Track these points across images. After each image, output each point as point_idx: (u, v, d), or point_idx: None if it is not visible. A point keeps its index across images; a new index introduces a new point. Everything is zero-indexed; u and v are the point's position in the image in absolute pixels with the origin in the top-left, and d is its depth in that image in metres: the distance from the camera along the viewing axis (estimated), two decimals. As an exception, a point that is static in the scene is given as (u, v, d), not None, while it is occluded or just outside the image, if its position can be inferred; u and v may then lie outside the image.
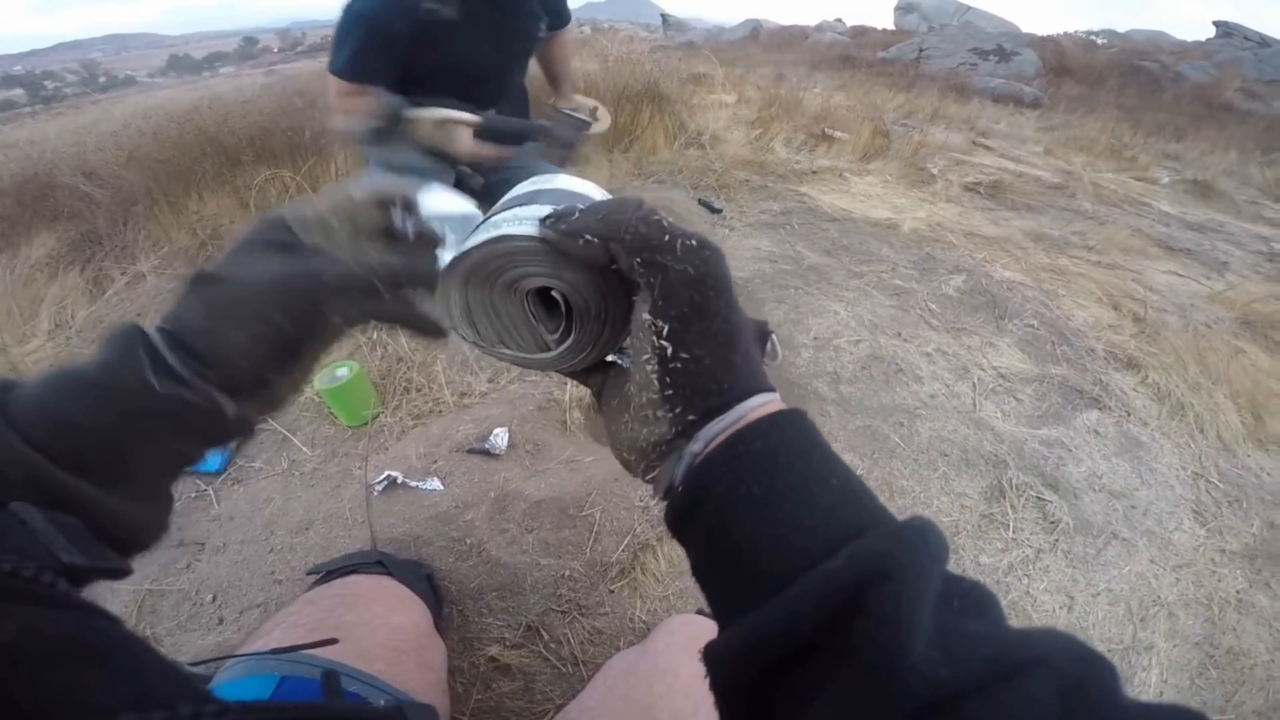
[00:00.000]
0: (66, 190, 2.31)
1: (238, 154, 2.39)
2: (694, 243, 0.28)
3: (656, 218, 0.28)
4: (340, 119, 1.33)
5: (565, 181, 0.36)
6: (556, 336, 0.32)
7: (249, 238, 0.32)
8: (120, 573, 0.27)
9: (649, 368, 0.28)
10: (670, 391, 0.28)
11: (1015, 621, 0.93)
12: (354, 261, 0.32)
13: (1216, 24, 13.91)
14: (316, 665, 0.57)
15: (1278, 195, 4.67)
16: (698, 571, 0.28)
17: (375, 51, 1.25)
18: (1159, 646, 1.09)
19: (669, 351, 0.28)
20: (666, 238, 0.28)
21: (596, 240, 0.28)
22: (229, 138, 2.47)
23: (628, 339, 0.31)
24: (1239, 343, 1.93)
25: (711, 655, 0.25)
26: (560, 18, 1.54)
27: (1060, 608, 1.11)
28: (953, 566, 0.88)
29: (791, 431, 0.27)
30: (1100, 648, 1.04)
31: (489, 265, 0.30)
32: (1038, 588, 1.13)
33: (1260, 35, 13.18)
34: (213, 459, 1.22)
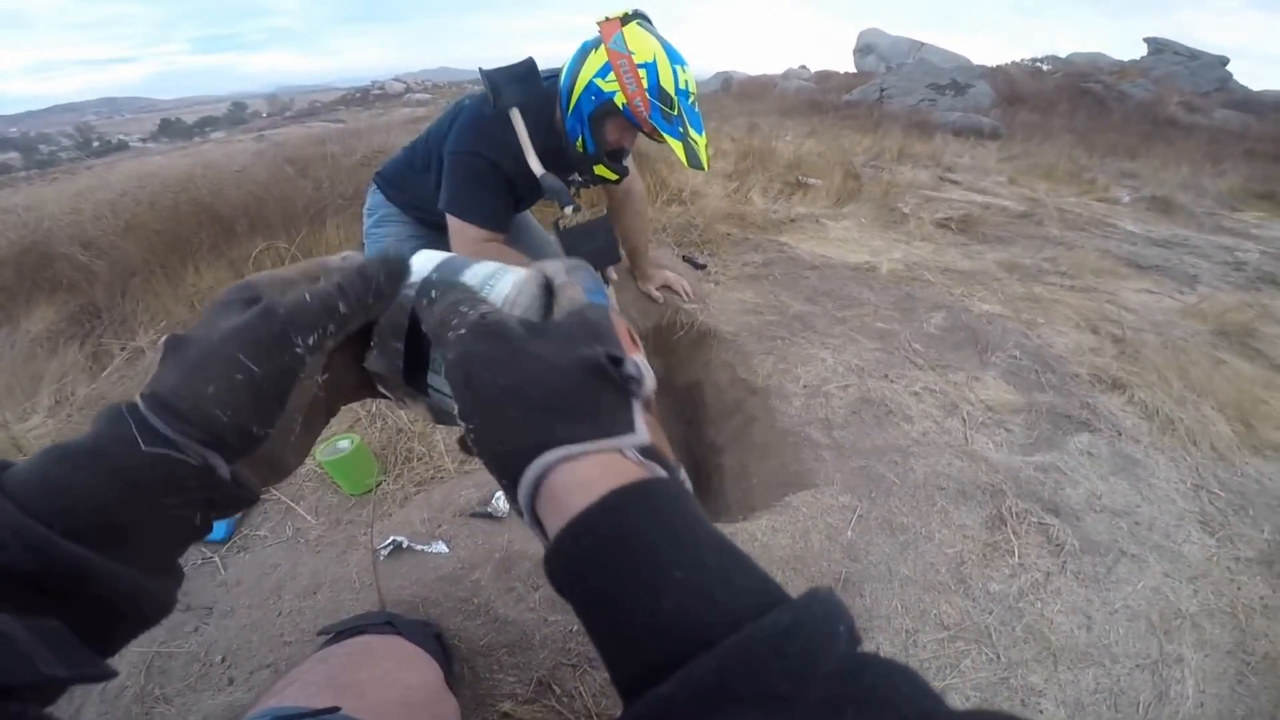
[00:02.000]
0: (65, 260, 2.33)
1: (232, 224, 2.44)
2: (461, 331, 0.30)
3: (450, 314, 0.31)
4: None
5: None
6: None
7: (216, 302, 0.32)
8: (102, 678, 0.25)
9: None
10: (481, 459, 0.29)
11: (1027, 651, 0.92)
12: (307, 291, 0.31)
13: (1147, 40, 14.63)
14: None
15: (1233, 205, 4.88)
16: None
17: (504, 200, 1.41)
18: (1189, 658, 1.09)
19: (462, 426, 0.29)
20: (447, 333, 0.30)
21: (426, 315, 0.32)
22: (224, 207, 2.53)
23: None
24: (1218, 354, 1.99)
25: None
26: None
27: (1079, 628, 1.12)
28: (961, 599, 0.89)
29: (625, 518, 0.24)
30: (1128, 664, 1.07)
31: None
32: (1053, 610, 1.14)
33: (1189, 49, 13.89)
34: (218, 528, 1.22)
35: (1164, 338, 2.01)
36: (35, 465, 0.27)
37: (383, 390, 0.38)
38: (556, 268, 0.36)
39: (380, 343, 0.35)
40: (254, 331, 0.30)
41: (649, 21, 1.35)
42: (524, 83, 1.38)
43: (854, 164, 3.86)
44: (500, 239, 1.46)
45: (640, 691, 0.21)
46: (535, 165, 1.36)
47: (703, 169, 1.33)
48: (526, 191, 1.38)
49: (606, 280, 1.45)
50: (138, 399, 0.29)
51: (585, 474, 0.26)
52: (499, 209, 1.42)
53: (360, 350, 0.37)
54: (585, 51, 1.36)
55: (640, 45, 1.30)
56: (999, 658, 1.06)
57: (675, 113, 1.30)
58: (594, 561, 0.24)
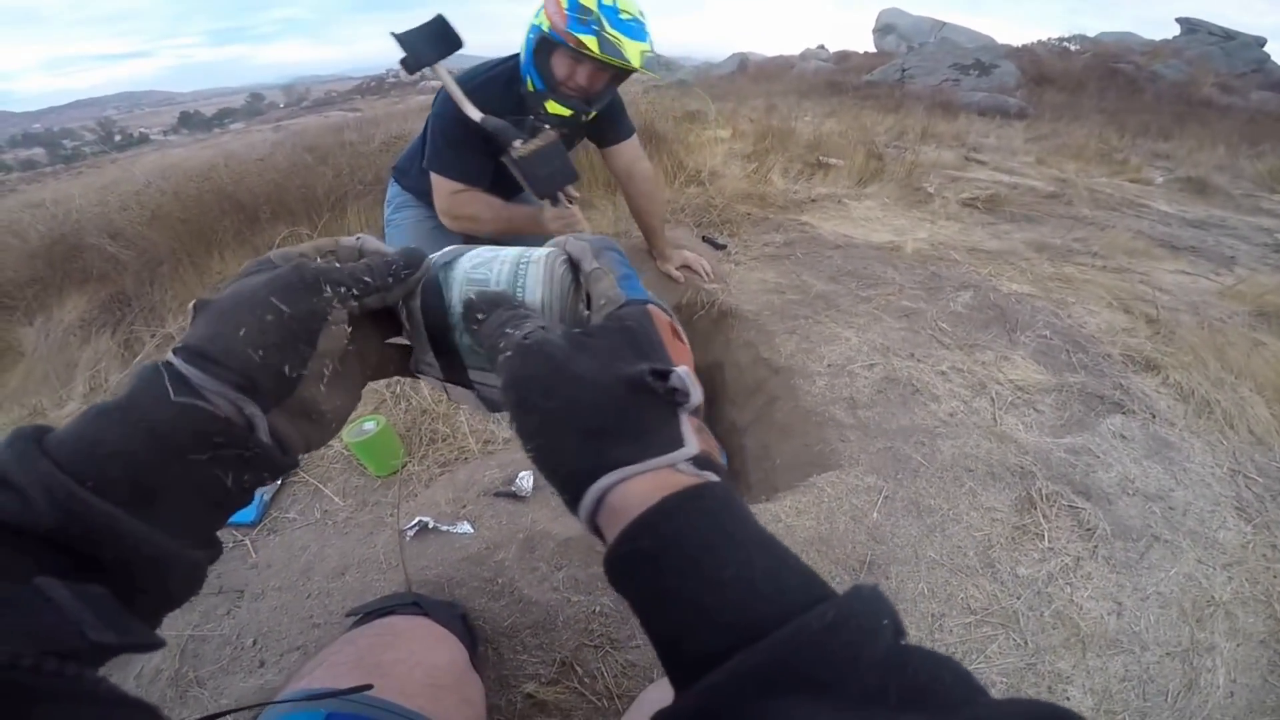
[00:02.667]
0: (94, 251, 2.38)
1: (255, 212, 2.47)
2: (509, 354, 0.31)
3: (498, 337, 0.32)
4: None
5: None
6: None
7: (240, 272, 0.34)
8: (151, 647, 0.26)
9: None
10: (543, 475, 0.30)
11: (1055, 636, 0.91)
12: (337, 262, 0.34)
13: (1180, 21, 14.11)
14: (360, 703, 0.58)
15: (1272, 186, 4.69)
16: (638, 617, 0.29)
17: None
18: (1221, 647, 1.07)
19: (523, 444, 0.30)
20: (498, 356, 0.31)
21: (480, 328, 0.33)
22: (246, 196, 2.55)
23: None
24: (1257, 335, 1.92)
25: None
26: (608, 138, 1.78)
27: (1109, 614, 1.09)
28: (989, 582, 0.88)
29: (680, 522, 0.26)
30: (1158, 651, 1.04)
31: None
32: (1082, 595, 1.11)
33: (1223, 29, 13.37)
34: (247, 511, 1.25)
35: (1200, 318, 1.94)
36: (73, 424, 0.27)
37: (422, 377, 0.40)
38: (582, 249, 0.36)
39: (418, 355, 0.38)
40: (286, 278, 0.31)
41: None
42: (442, 40, 1.44)
43: (876, 144, 3.78)
44: (473, 190, 1.58)
45: (692, 681, 0.22)
46: (472, 112, 1.43)
47: (625, 61, 1.41)
48: (548, 166, 1.42)
49: (570, 199, 1.50)
50: (170, 354, 0.29)
51: (641, 489, 0.27)
52: (471, 162, 1.53)
53: (387, 331, 0.38)
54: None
55: None
56: (1026, 643, 1.04)
57: (591, 17, 1.37)
58: (651, 561, 0.25)
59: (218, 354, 0.29)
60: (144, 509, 0.26)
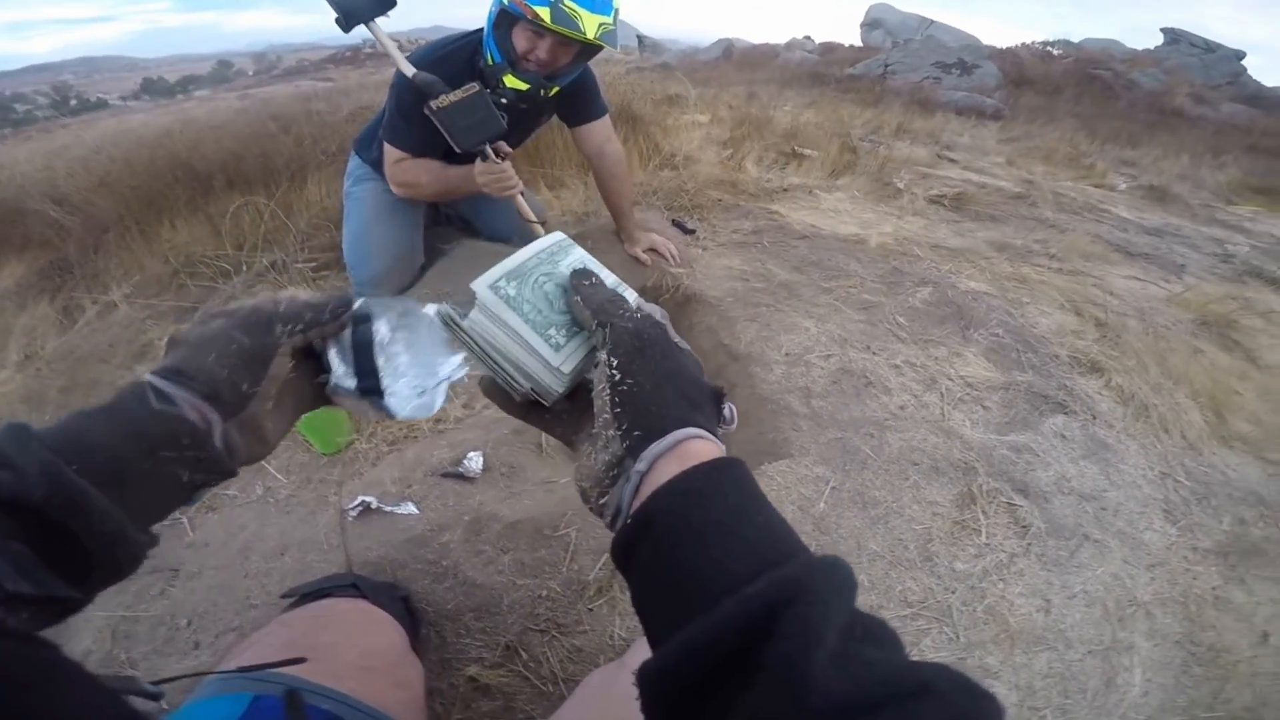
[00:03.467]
0: (36, 217, 2.28)
1: (210, 180, 2.38)
2: (639, 314, 0.39)
3: (618, 300, 0.41)
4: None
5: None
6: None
7: (198, 317, 0.42)
8: (71, 602, 0.30)
9: (605, 394, 0.35)
10: (618, 409, 0.35)
11: (986, 632, 0.95)
12: (284, 300, 0.43)
13: (1164, 31, 14.43)
14: (286, 684, 0.57)
15: (1229, 198, 4.86)
16: (638, 601, 0.33)
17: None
18: (1139, 646, 1.11)
19: (617, 378, 0.35)
20: (619, 310, 0.39)
21: (584, 300, 0.40)
22: (201, 164, 2.46)
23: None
24: (1198, 343, 2.00)
25: (642, 676, 0.27)
26: (579, 117, 1.76)
27: (1037, 611, 1.13)
28: (927, 576, 0.91)
29: (727, 475, 0.32)
30: (1080, 649, 1.08)
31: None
32: (1013, 591, 1.15)
33: (1205, 41, 13.71)
34: None
35: (1146, 324, 2.01)
36: (58, 423, 0.33)
37: (336, 400, 0.47)
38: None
39: (337, 381, 0.45)
40: (246, 318, 0.40)
41: None
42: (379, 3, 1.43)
43: (852, 137, 3.80)
44: (416, 158, 1.58)
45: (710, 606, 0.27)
46: (405, 68, 1.44)
47: (580, 33, 1.38)
48: (469, 118, 1.40)
49: (499, 155, 1.49)
50: (149, 375, 0.36)
51: (703, 448, 0.34)
52: (418, 132, 1.52)
53: (315, 373, 0.46)
54: None
55: None
56: (959, 637, 1.07)
57: None
58: (699, 498, 0.31)
59: (190, 371, 0.37)
60: (112, 492, 0.32)
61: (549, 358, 0.40)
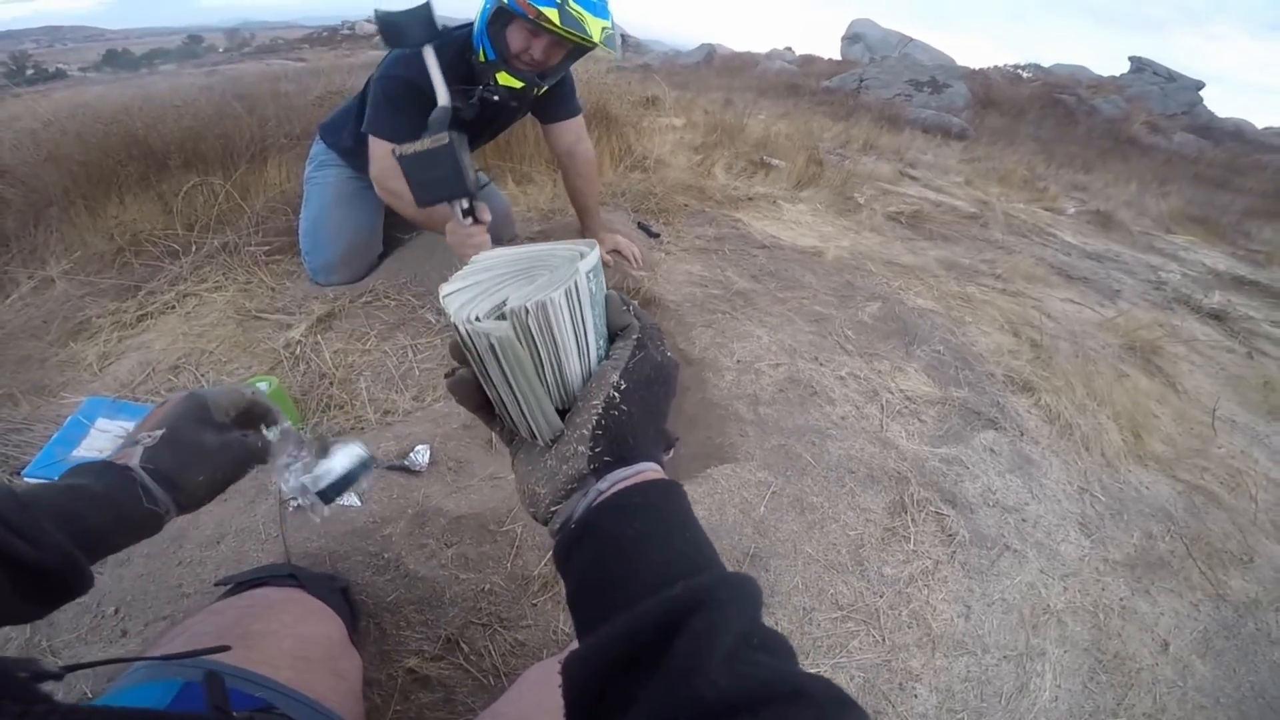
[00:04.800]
0: (-27, 189, 2.17)
1: (166, 158, 2.30)
2: (669, 354, 0.41)
3: (655, 328, 0.42)
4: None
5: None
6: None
7: (186, 410, 0.53)
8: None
9: (594, 412, 0.36)
10: (600, 432, 0.36)
11: (910, 636, 1.00)
12: (251, 442, 0.57)
13: (1131, 59, 15.00)
14: (210, 669, 0.58)
15: (1169, 226, 5.13)
16: (572, 600, 0.36)
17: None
18: (1051, 653, 1.17)
19: (615, 399, 0.36)
20: (659, 339, 0.41)
21: (634, 315, 0.41)
22: (158, 141, 2.37)
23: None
24: (1123, 367, 2.12)
25: (565, 665, 0.31)
26: (554, 114, 1.74)
27: (958, 616, 1.19)
28: (858, 580, 0.97)
29: (662, 495, 0.35)
30: (997, 654, 1.15)
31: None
32: (937, 598, 1.21)
33: (1169, 70, 14.30)
34: None
35: (1077, 347, 2.12)
36: (60, 498, 0.44)
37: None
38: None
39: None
40: (234, 457, 0.55)
41: None
42: (428, 22, 1.38)
43: (819, 150, 3.89)
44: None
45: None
46: (442, 97, 1.33)
47: (586, 36, 1.37)
48: (430, 173, 1.27)
49: (476, 218, 1.32)
50: (140, 469, 0.48)
51: (654, 474, 0.37)
52: (412, 130, 1.37)
53: None
54: None
55: None
56: (884, 640, 1.11)
57: None
58: (640, 512, 0.34)
59: (181, 485, 0.50)
60: (92, 551, 0.44)
61: (593, 362, 0.37)
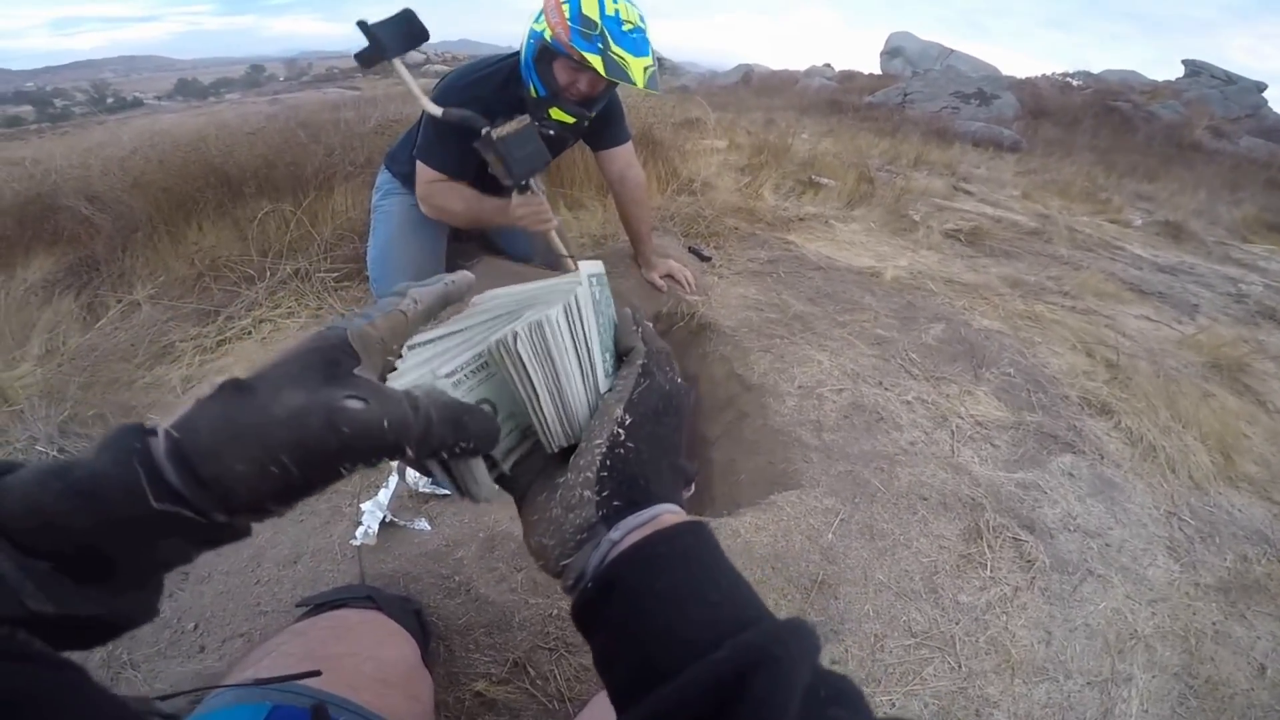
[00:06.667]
0: (68, 213, 2.32)
1: (240, 185, 2.43)
2: (678, 379, 0.37)
3: (669, 352, 0.39)
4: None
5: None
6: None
7: (301, 349, 0.30)
8: (92, 617, 0.26)
9: (597, 450, 0.32)
10: (605, 474, 0.32)
11: (987, 662, 0.95)
12: (390, 408, 0.28)
13: (1185, 63, 14.38)
14: (306, 695, 0.58)
15: (1245, 235, 4.84)
16: (600, 663, 0.32)
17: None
18: (1138, 678, 1.12)
19: (620, 437, 0.33)
20: (667, 364, 0.37)
21: (642, 337, 0.38)
22: (234, 169, 2.50)
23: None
24: (1208, 386, 2.00)
25: None
26: (604, 141, 1.79)
27: (1039, 642, 1.14)
28: (932, 607, 0.93)
29: (693, 539, 0.32)
30: (1080, 680, 1.10)
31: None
32: (1016, 624, 1.16)
33: (1226, 73, 13.64)
34: None
35: (1157, 366, 2.02)
36: (30, 491, 0.25)
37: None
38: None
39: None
40: (306, 440, 0.27)
41: None
42: (407, 34, 1.51)
43: (869, 167, 3.83)
44: (451, 180, 1.62)
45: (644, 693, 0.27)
46: (430, 107, 1.49)
47: (631, 83, 1.43)
48: (523, 150, 1.44)
49: (534, 188, 1.54)
50: (157, 435, 0.27)
51: (674, 517, 0.33)
52: (453, 154, 1.56)
53: None
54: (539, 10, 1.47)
55: None
56: (960, 667, 1.08)
57: (596, 32, 1.38)
58: (666, 562, 0.31)
59: (206, 478, 0.27)
60: (100, 582, 0.27)
61: (600, 385, 0.34)
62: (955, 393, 1.69)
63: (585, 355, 0.33)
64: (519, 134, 1.39)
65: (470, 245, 2.05)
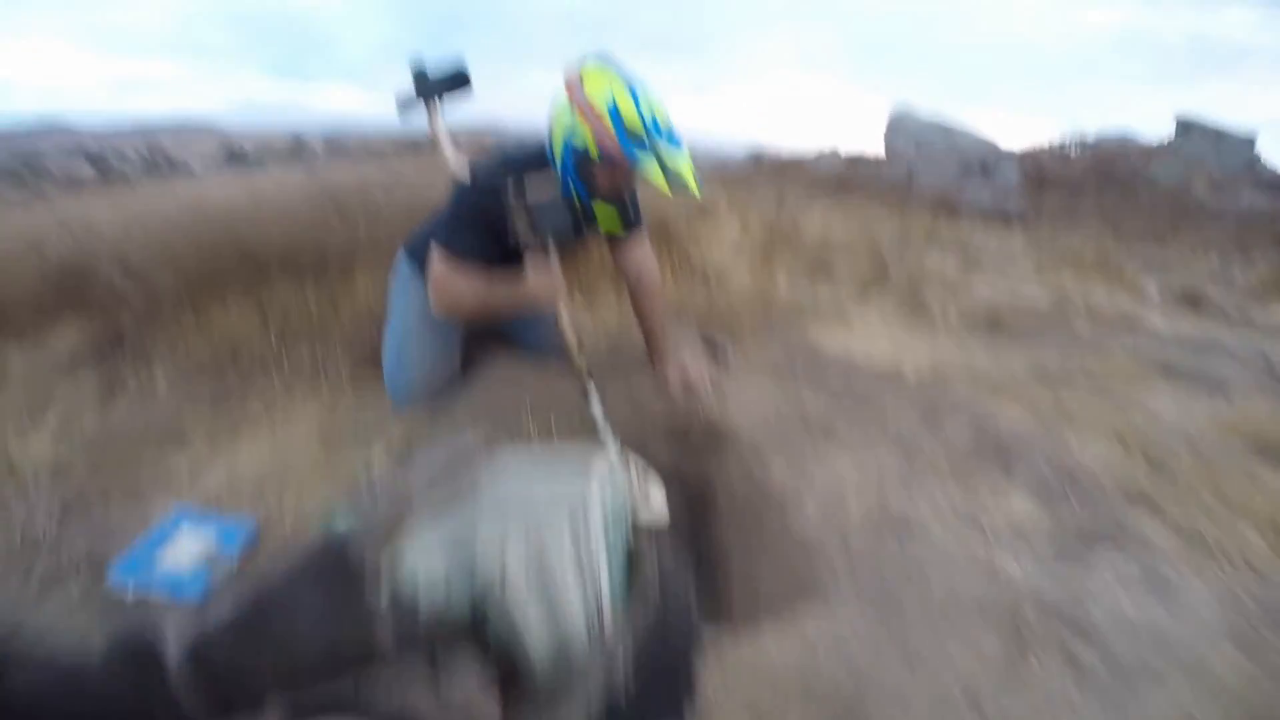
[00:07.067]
0: (102, 283, 2.35)
1: (267, 265, 2.47)
2: (690, 603, 0.31)
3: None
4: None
5: None
6: None
7: (308, 563, 0.29)
8: None
9: (597, 703, 0.28)
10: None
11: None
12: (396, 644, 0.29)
13: (1178, 121, 14.53)
14: None
15: (1262, 298, 4.72)
16: None
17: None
18: None
19: (620, 686, 0.28)
20: (684, 588, 0.31)
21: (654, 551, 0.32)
22: (261, 249, 2.55)
23: None
24: (1253, 468, 1.89)
25: None
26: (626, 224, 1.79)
27: (1102, 753, 1.02)
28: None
29: None
30: None
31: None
32: (1073, 734, 1.04)
33: (1216, 128, 13.77)
34: (194, 584, 1.21)
35: (1195, 451, 1.92)
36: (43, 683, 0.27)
37: None
38: None
39: None
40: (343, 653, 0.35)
41: (606, 59, 1.43)
42: (454, 79, 1.59)
43: (880, 248, 3.87)
44: (463, 266, 1.58)
45: None
46: (454, 164, 1.57)
47: (689, 191, 1.40)
48: (554, 211, 1.45)
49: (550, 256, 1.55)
50: (178, 656, 0.28)
51: None
52: (471, 241, 1.56)
53: None
54: (558, 111, 1.46)
55: (598, 89, 1.37)
56: (1018, 790, 0.96)
57: (644, 139, 1.37)
58: None
59: (234, 699, 0.32)
60: None
61: (603, 591, 0.33)
62: (986, 493, 1.61)
63: (589, 567, 0.31)
64: (551, 204, 1.41)
65: (485, 339, 2.03)
